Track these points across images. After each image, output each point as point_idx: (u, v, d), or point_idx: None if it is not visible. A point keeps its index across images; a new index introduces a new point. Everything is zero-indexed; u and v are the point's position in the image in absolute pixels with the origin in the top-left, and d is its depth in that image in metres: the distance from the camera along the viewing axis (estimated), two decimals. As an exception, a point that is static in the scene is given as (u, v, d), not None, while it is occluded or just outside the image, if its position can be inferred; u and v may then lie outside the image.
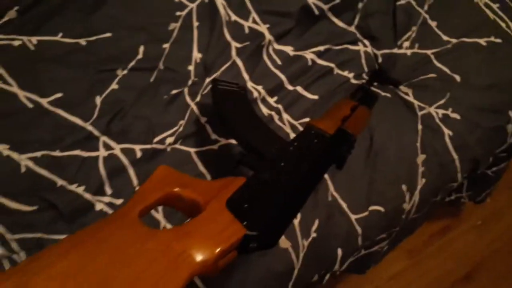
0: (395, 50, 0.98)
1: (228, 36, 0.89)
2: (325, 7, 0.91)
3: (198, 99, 0.85)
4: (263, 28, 0.89)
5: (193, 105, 0.85)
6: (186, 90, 0.85)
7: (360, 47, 0.97)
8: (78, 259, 0.34)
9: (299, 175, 0.56)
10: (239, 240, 0.44)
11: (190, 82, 0.86)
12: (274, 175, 0.54)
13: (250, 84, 0.88)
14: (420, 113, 0.88)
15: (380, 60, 0.99)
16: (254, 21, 0.89)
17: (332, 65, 0.93)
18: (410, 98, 0.90)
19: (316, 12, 0.91)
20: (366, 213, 0.82)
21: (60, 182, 0.76)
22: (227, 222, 0.44)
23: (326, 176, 0.82)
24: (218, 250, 0.41)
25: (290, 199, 0.53)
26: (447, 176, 0.89)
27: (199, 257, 0.39)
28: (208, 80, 0.86)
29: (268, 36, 0.89)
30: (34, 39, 0.81)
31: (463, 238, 1.51)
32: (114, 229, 0.38)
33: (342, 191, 0.82)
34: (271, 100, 0.89)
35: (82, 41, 0.84)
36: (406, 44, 0.97)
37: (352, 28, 0.95)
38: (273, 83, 0.90)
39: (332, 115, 0.72)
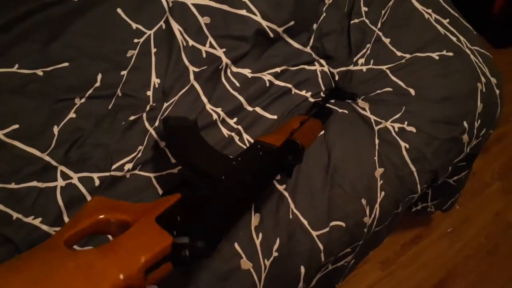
0: (351, 67, 1.01)
1: (186, 61, 0.90)
2: (279, 29, 0.93)
3: (156, 123, 0.85)
4: (219, 52, 0.91)
5: (151, 130, 0.85)
6: (144, 115, 0.86)
7: (316, 67, 1.00)
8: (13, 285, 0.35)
9: (241, 186, 0.60)
10: (167, 249, 0.44)
11: (148, 108, 0.86)
12: (212, 189, 0.57)
13: (209, 107, 0.90)
14: (376, 128, 0.91)
15: (336, 78, 1.02)
16: (211, 46, 0.91)
17: (289, 85, 0.95)
18: (367, 113, 0.93)
19: (271, 35, 0.93)
20: (327, 229, 0.83)
21: (15, 215, 0.75)
22: (154, 234, 0.44)
23: (286, 194, 0.83)
24: (142, 260, 0.41)
25: (229, 208, 0.56)
26: (406, 188, 0.91)
27: (122, 271, 0.39)
28: (166, 104, 0.87)
29: (225, 60, 0.91)
30: (-12, 71, 0.81)
31: (435, 246, 1.54)
32: (42, 255, 0.39)
33: (302, 208, 0.83)
34: (231, 122, 0.90)
35: (39, 72, 0.84)
36: (361, 61, 1.01)
37: (308, 49, 0.98)
38: (232, 105, 0.92)
39: (281, 130, 0.78)
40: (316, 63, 0.99)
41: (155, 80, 0.88)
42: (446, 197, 1.24)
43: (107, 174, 0.79)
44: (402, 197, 0.92)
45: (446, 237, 1.58)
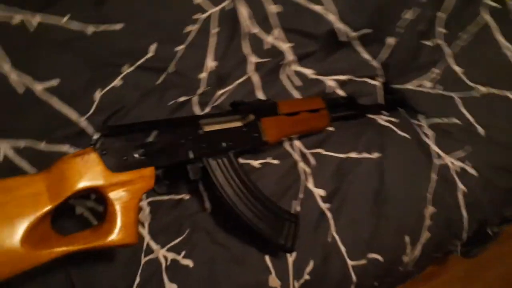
0: (413, 87, 0.93)
1: (247, 49, 0.83)
2: (353, 34, 0.85)
3: (207, 109, 0.79)
4: (285, 46, 0.83)
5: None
6: (195, 98, 0.79)
7: (377, 83, 0.92)
8: None
9: None
10: None
11: (200, 91, 0.79)
12: None
13: (260, 100, 0.83)
14: (436, 162, 0.83)
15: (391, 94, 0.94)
16: (278, 37, 0.83)
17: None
18: (430, 143, 0.85)
19: (343, 38, 0.85)
20: (364, 261, 0.76)
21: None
22: None
23: (329, 214, 0.76)
24: None
25: None
26: (453, 233, 0.84)
27: None
28: (219, 92, 0.80)
29: (290, 56, 0.84)
30: (37, 18, 0.74)
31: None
32: None
33: (343, 233, 0.76)
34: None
35: (90, 28, 0.77)
36: (428, 84, 0.92)
37: (375, 62, 0.90)
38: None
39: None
40: (378, 78, 0.92)
41: (210, 63, 0.81)
42: (476, 246, 1.16)
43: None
44: (446, 242, 0.86)
45: (459, 281, 1.51)
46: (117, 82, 0.76)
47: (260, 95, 0.82)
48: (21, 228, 0.50)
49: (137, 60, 0.77)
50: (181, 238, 0.71)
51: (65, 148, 0.72)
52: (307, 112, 0.79)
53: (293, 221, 0.71)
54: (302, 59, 0.85)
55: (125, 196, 0.56)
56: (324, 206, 0.77)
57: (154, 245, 0.71)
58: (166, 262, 0.69)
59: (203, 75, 0.80)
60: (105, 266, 0.65)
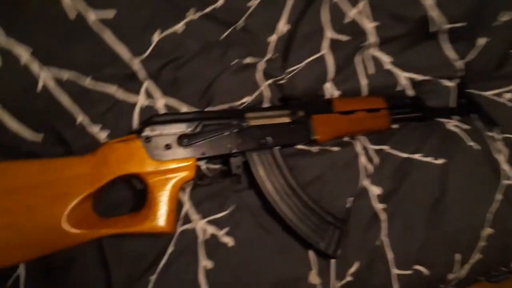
0: (490, 96, 0.84)
1: (324, 17, 0.73)
2: (445, 26, 0.76)
3: (269, 82, 0.71)
4: (370, 25, 0.74)
5: (264, 87, 0.71)
6: (261, 64, 0.70)
7: (452, 84, 0.83)
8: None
9: None
10: None
11: (268, 57, 0.71)
12: None
13: (328, 85, 0.75)
14: (504, 182, 0.76)
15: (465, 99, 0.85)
16: (362, 13, 0.74)
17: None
18: (501, 159, 0.77)
19: (433, 29, 0.76)
20: (409, 272, 0.69)
21: (81, 118, 0.62)
22: None
23: (383, 216, 0.70)
24: None
25: None
26: (504, 259, 0.78)
27: None
28: (288, 70, 0.72)
29: (372, 37, 0.75)
30: None
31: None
32: None
33: (394, 238, 0.69)
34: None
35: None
36: (508, 95, 0.84)
37: (460, 63, 0.81)
38: (352, 90, 0.77)
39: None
40: (455, 79, 0.83)
41: (283, 26, 0.72)
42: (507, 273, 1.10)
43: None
44: (494, 267, 0.79)
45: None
46: (179, 27, 0.67)
47: (329, 76, 0.74)
48: (65, 207, 0.51)
49: (205, 6, 0.68)
50: (224, 213, 0.65)
51: (112, 89, 0.64)
52: (365, 112, 0.72)
53: (338, 226, 0.65)
54: (383, 43, 0.76)
55: (165, 184, 0.57)
56: (379, 206, 0.70)
57: (193, 215, 0.64)
58: (204, 235, 0.63)
59: (273, 38, 0.72)
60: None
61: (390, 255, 0.69)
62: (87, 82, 0.62)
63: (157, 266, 0.60)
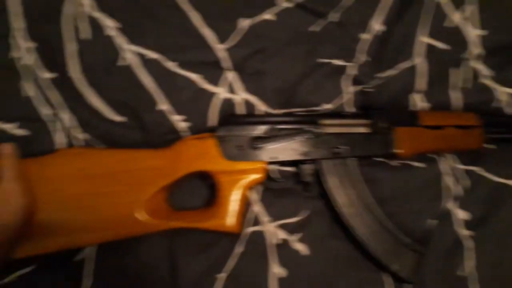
0: None
1: (424, 21, 0.67)
2: None
3: (357, 88, 0.66)
4: (472, 33, 0.67)
5: (348, 92, 0.66)
6: (351, 67, 0.65)
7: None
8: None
9: None
10: None
11: (359, 60, 0.66)
12: None
13: (416, 96, 0.68)
14: None
15: None
16: (467, 18, 0.67)
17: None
18: None
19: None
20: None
21: (162, 103, 0.59)
22: None
23: (469, 244, 0.63)
24: None
25: None
26: None
27: None
28: (377, 75, 0.66)
29: (475, 49, 0.67)
30: None
31: None
32: None
33: (482, 271, 0.63)
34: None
35: None
36: None
37: None
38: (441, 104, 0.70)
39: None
40: None
41: (377, 25, 0.66)
42: None
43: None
44: None
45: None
46: (270, 15, 0.63)
47: (417, 96, 0.68)
48: (141, 196, 0.53)
49: (298, -6, 0.63)
50: (297, 218, 0.61)
51: (193, 76, 0.61)
52: (455, 128, 0.65)
53: (417, 248, 0.60)
54: (486, 55, 0.68)
55: (235, 184, 0.57)
56: (465, 232, 0.64)
57: (264, 216, 0.61)
58: (274, 239, 0.60)
59: (366, 36, 0.66)
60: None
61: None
62: (170, 64, 0.60)
63: (223, 265, 0.58)
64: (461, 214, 0.65)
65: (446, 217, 0.65)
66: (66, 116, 0.57)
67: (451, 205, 0.66)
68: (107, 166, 0.53)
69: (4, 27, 0.55)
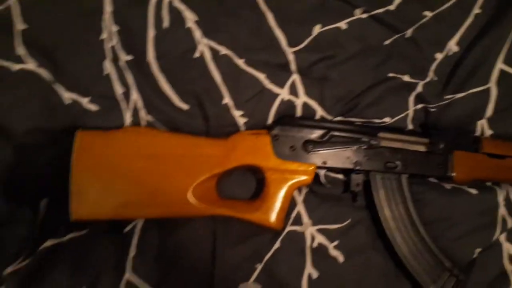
0: None
1: (501, 45, 0.65)
2: None
3: (419, 106, 0.66)
4: None
5: (411, 110, 0.66)
6: (420, 86, 0.65)
7: None
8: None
9: None
10: None
11: (428, 79, 0.65)
12: None
13: (482, 122, 0.67)
14: None
15: None
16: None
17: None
18: None
19: None
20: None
21: (227, 100, 0.62)
22: None
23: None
24: None
25: None
26: None
27: None
28: (446, 97, 0.65)
29: None
30: None
31: None
32: None
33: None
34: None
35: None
36: None
37: None
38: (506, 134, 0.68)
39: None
40: None
41: (453, 46, 0.65)
42: None
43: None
44: None
45: None
46: (342, 23, 0.63)
47: (483, 123, 0.67)
48: (194, 180, 0.56)
49: (376, 7, 0.63)
50: (338, 225, 0.62)
51: (261, 77, 0.62)
52: None
53: (457, 274, 0.59)
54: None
55: (283, 183, 0.59)
56: (509, 267, 0.63)
57: (305, 218, 0.62)
58: (312, 242, 0.61)
59: (439, 56, 0.65)
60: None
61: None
62: (241, 62, 0.62)
63: (261, 258, 0.60)
64: (510, 248, 0.63)
65: (495, 249, 0.64)
66: (135, 97, 0.61)
67: (502, 238, 0.64)
68: (168, 147, 0.56)
69: (99, 12, 0.58)
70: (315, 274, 0.60)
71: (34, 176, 0.57)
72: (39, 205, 0.57)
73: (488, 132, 0.67)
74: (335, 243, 0.61)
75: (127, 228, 0.60)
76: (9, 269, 0.53)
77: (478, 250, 0.63)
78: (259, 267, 0.59)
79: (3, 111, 0.57)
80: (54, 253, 0.55)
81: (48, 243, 0.56)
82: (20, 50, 0.56)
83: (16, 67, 0.57)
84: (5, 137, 0.57)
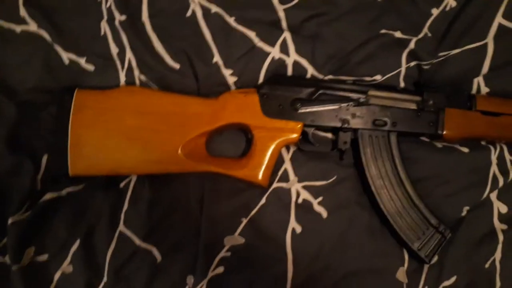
0: None
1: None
2: None
3: (412, 64, 0.65)
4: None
5: (404, 67, 0.65)
6: (413, 42, 0.64)
7: None
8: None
9: None
10: None
11: (421, 35, 0.64)
12: None
13: (478, 80, 0.65)
14: None
15: None
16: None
17: None
18: None
19: None
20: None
21: (217, 58, 0.63)
22: None
23: (500, 237, 0.62)
24: None
25: None
26: None
27: None
28: (440, 54, 0.64)
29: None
30: None
31: None
32: None
33: (504, 267, 0.62)
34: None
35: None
36: None
37: None
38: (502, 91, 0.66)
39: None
40: None
41: (451, 0, 0.63)
42: None
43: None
44: None
45: None
46: (334, -21, 0.62)
47: (479, 80, 0.65)
48: (184, 137, 0.58)
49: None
50: (324, 182, 0.63)
51: (251, 35, 0.63)
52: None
53: (441, 232, 0.60)
54: None
55: (270, 141, 0.60)
56: (498, 225, 0.63)
57: (291, 175, 0.64)
58: (297, 198, 0.63)
59: (435, 11, 0.63)
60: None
61: (498, 284, 0.62)
62: (232, 20, 0.62)
63: (247, 212, 0.62)
64: (499, 206, 0.64)
65: (486, 207, 0.64)
66: (129, 57, 0.62)
67: (493, 197, 0.64)
68: (160, 106, 0.58)
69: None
70: (298, 229, 0.62)
71: (36, 132, 0.60)
72: (40, 161, 0.60)
73: (485, 89, 0.66)
74: (319, 199, 0.63)
75: (122, 184, 0.62)
76: (11, 220, 0.56)
77: (466, 208, 0.63)
78: (244, 221, 0.62)
79: (9, 71, 0.60)
80: (53, 206, 0.59)
81: (48, 196, 0.59)
82: (22, 11, 0.59)
83: (19, 28, 0.60)
84: (10, 95, 0.60)
